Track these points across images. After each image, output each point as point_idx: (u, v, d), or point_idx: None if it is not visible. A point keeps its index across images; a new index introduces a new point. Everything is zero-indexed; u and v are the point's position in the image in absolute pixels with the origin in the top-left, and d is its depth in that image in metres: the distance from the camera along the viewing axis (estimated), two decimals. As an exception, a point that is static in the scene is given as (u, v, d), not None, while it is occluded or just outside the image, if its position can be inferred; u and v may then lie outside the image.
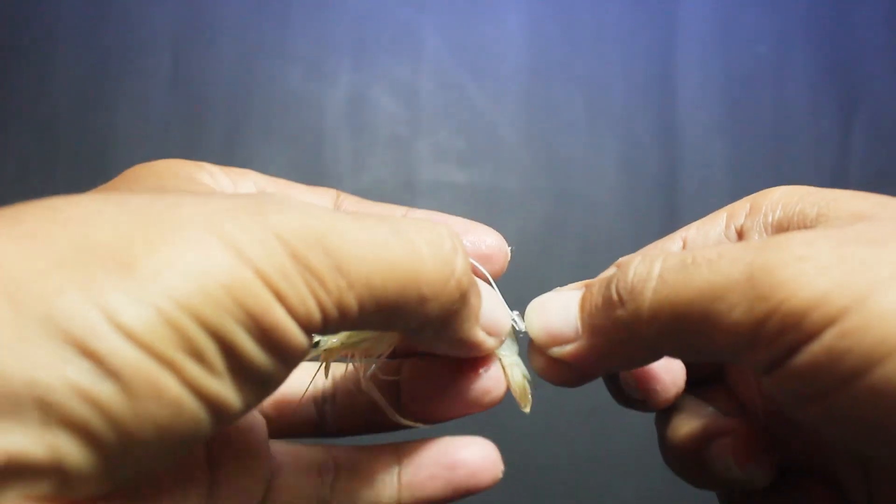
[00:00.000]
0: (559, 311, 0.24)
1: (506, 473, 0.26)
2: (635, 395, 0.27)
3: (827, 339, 0.17)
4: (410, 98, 0.70)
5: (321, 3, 0.70)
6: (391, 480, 0.25)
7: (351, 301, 0.18)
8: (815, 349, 0.17)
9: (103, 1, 0.68)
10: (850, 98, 0.74)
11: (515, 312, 0.27)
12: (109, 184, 0.25)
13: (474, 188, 0.69)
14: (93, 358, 0.15)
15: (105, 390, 0.15)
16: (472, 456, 0.25)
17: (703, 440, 0.26)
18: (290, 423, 0.28)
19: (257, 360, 0.17)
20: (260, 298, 0.17)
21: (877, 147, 0.74)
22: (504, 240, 0.27)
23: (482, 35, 0.72)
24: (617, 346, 0.22)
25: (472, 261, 0.26)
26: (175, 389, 0.16)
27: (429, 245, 0.20)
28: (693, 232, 0.26)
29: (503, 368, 0.26)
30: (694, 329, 0.20)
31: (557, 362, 0.25)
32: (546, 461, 0.64)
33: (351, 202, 0.27)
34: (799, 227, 0.22)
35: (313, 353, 0.25)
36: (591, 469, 0.65)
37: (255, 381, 0.18)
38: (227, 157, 0.67)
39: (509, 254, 0.27)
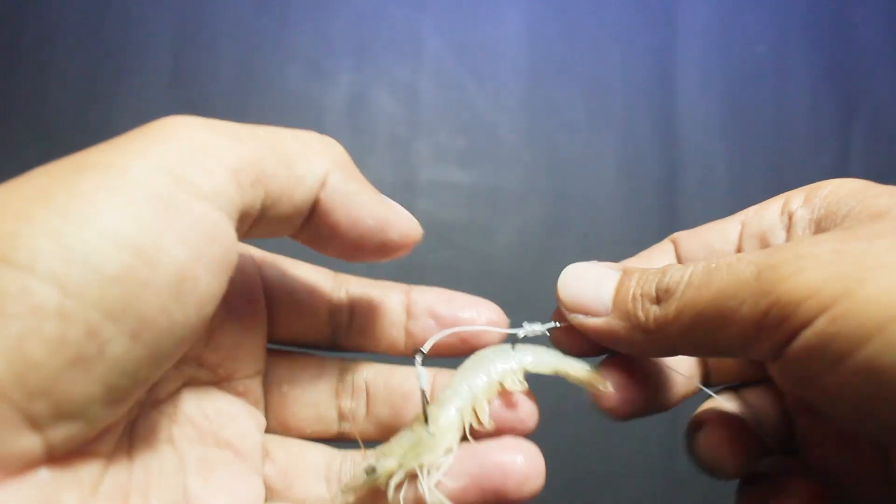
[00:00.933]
0: (593, 284, 0.26)
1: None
2: None
3: (819, 325, 0.19)
4: (410, 98, 0.70)
5: (321, 3, 0.70)
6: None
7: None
8: (808, 335, 0.19)
9: (103, 1, 0.68)
10: (850, 98, 0.74)
11: (537, 324, 0.28)
12: None
13: (474, 188, 0.69)
14: None
15: None
16: (514, 461, 0.25)
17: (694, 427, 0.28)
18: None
19: (162, 254, 0.17)
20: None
21: (877, 147, 0.74)
22: (503, 313, 0.28)
23: (482, 35, 0.72)
24: (641, 333, 0.24)
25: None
26: (54, 300, 0.15)
27: (305, 131, 0.23)
28: (751, 214, 0.28)
29: (568, 375, 0.27)
30: (710, 325, 0.22)
31: (575, 333, 0.26)
32: (545, 460, 0.64)
33: (354, 283, 0.29)
34: (831, 225, 0.24)
35: (369, 479, 0.25)
36: (591, 468, 0.65)
37: (169, 282, 0.17)
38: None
39: (507, 323, 0.28)
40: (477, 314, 0.28)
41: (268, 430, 0.27)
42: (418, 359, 0.26)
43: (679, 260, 0.30)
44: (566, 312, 0.26)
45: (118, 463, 0.20)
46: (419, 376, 0.26)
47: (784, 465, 0.29)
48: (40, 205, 0.16)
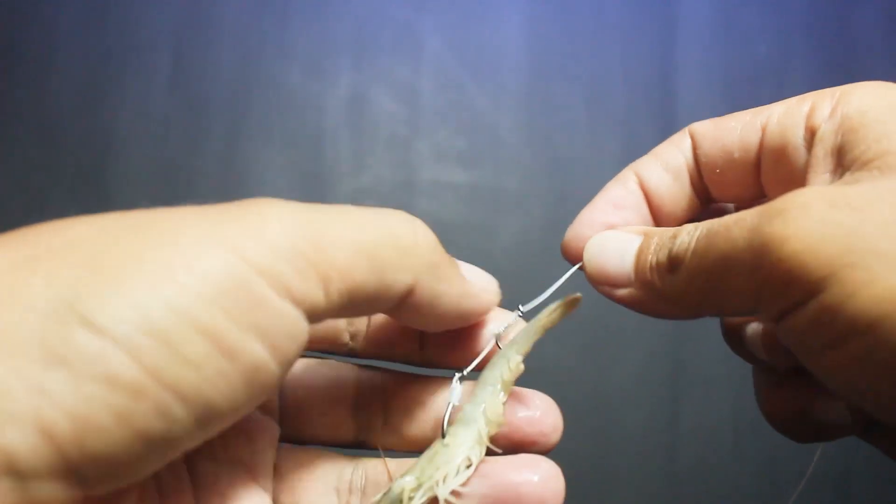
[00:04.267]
0: (616, 255, 0.26)
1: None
2: (759, 357, 0.28)
3: (809, 309, 0.19)
4: (410, 98, 0.70)
5: (321, 3, 0.70)
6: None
7: (343, 263, 0.19)
8: (799, 317, 0.19)
9: (103, 1, 0.68)
10: (850, 98, 0.74)
11: (516, 314, 0.27)
12: None
13: (474, 188, 0.69)
14: (42, 346, 0.15)
15: (53, 378, 0.15)
16: (530, 480, 0.24)
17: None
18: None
19: (242, 348, 0.17)
20: (243, 279, 0.17)
21: (877, 147, 0.74)
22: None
23: (482, 35, 0.72)
24: (662, 301, 0.24)
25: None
26: (130, 373, 0.15)
27: (392, 213, 0.22)
28: (773, 122, 0.26)
29: (542, 325, 0.27)
30: (718, 293, 0.22)
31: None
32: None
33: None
34: (847, 162, 0.22)
35: (388, 500, 0.24)
36: (591, 468, 0.65)
37: (243, 375, 0.17)
38: (227, 157, 0.67)
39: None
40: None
41: (282, 438, 0.26)
42: (456, 380, 0.26)
43: (695, 160, 0.28)
44: (594, 284, 0.26)
45: (149, 489, 0.21)
46: (452, 392, 0.26)
47: None
48: (130, 270, 0.16)
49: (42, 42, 0.67)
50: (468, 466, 0.24)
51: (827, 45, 0.75)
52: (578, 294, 0.26)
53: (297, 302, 0.18)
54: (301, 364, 0.27)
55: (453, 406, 0.26)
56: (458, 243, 0.67)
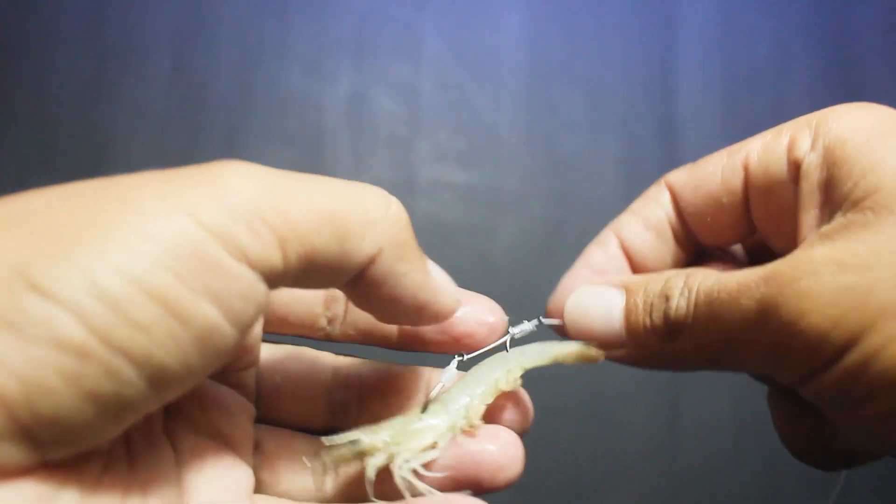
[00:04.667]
0: (601, 315, 0.25)
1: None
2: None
3: (832, 373, 0.19)
4: (410, 98, 0.70)
5: (321, 3, 0.70)
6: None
7: (302, 223, 0.19)
8: (822, 381, 0.19)
9: (103, 1, 0.68)
10: (850, 98, 0.74)
11: (534, 322, 0.27)
12: None
13: (474, 188, 0.69)
14: None
15: (2, 342, 0.15)
16: (487, 449, 0.24)
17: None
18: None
19: (194, 311, 0.17)
20: (196, 242, 0.17)
21: (877, 147, 0.74)
22: (501, 312, 0.27)
23: (482, 35, 0.72)
24: (664, 362, 0.24)
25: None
26: (78, 336, 0.15)
27: (368, 187, 0.21)
28: (755, 161, 0.26)
29: (568, 356, 0.27)
30: (727, 360, 0.22)
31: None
32: (545, 461, 0.64)
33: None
34: (836, 200, 0.22)
35: (350, 449, 0.24)
36: (591, 468, 0.65)
37: (196, 338, 0.17)
38: (227, 157, 0.66)
39: (505, 324, 0.27)
40: (471, 310, 0.27)
41: (258, 420, 0.27)
42: (455, 362, 0.26)
43: (677, 213, 0.27)
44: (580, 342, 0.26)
45: (117, 457, 0.20)
46: (446, 372, 0.26)
47: None
48: (82, 235, 0.16)
49: (42, 42, 0.67)
50: (433, 447, 0.25)
51: (827, 45, 0.75)
52: (601, 353, 0.26)
53: (252, 264, 0.18)
54: (279, 351, 0.28)
55: (443, 386, 0.26)
56: (458, 243, 0.67)
